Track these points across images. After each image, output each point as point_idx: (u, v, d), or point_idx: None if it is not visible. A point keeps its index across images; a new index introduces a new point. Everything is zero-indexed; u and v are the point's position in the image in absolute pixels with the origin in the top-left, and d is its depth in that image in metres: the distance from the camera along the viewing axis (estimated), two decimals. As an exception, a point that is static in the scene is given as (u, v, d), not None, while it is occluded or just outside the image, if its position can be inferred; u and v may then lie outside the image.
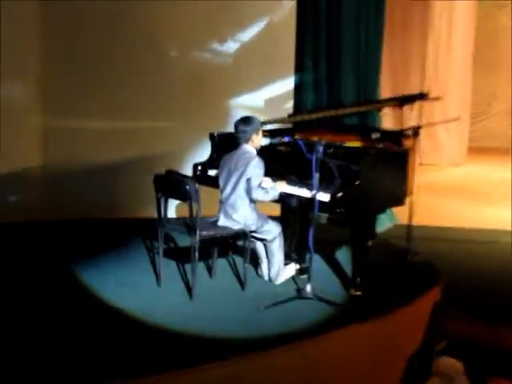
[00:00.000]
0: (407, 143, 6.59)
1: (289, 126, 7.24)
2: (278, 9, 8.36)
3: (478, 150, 12.94)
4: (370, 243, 6.55)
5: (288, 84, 8.30)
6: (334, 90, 8.07)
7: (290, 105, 8.11)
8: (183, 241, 6.94)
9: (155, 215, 6.35)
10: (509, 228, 8.33)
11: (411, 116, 7.11)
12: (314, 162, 5.86)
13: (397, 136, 6.60)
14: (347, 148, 6.43)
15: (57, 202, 8.09)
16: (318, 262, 6.82)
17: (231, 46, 8.45)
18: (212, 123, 7.34)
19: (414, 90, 9.64)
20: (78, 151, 8.23)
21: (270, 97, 8.18)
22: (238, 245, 7.01)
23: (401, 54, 10.96)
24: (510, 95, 13.86)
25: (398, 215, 8.15)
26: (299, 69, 8.21)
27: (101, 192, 8.20)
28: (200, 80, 8.31)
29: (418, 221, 7.25)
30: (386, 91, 8.90)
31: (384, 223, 8.15)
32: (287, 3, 8.31)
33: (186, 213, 6.00)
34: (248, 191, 6.16)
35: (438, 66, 11.10)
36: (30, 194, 8.11)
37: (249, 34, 8.40)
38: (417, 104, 7.17)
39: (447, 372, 3.82)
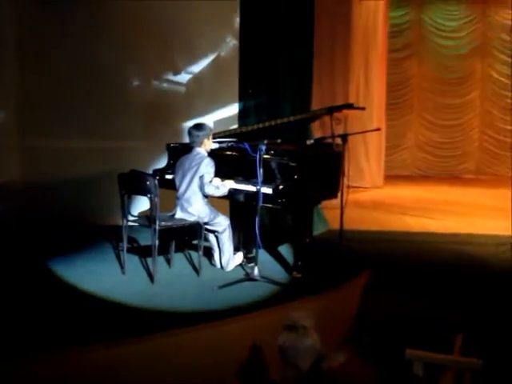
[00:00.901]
0: (338, 148, 6.40)
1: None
2: (224, 46, 8.22)
3: (392, 177, 12.98)
4: (307, 240, 6.38)
5: (233, 109, 8.11)
6: (272, 114, 7.87)
7: (235, 126, 7.88)
8: (145, 240, 6.59)
9: (120, 223, 6.08)
10: (419, 230, 8.46)
11: (339, 129, 6.89)
12: (257, 160, 5.65)
13: (328, 143, 6.41)
14: (286, 149, 6.16)
15: (34, 211, 7.67)
16: (263, 255, 6.54)
17: (184, 77, 8.26)
18: (169, 142, 7.03)
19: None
20: (52, 168, 7.91)
21: (218, 119, 7.93)
22: (192, 243, 6.65)
23: (328, 92, 10.84)
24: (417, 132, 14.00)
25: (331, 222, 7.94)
26: (242, 96, 8.05)
27: (74, 202, 7.88)
28: (158, 106, 8.12)
29: (348, 226, 7.00)
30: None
31: (318, 228, 7.88)
32: (232, 41, 8.17)
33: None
34: (201, 187, 5.98)
35: (359, 103, 10.96)
36: (8, 205, 7.67)
37: (199, 66, 8.22)
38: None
39: (298, 324, 3.44)
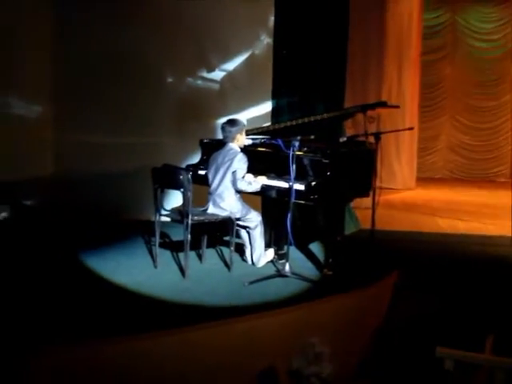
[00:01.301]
0: (371, 146, 6.37)
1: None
2: (259, 44, 8.22)
3: (424, 179, 12.92)
4: (339, 238, 6.37)
5: (266, 107, 8.11)
6: (305, 112, 7.85)
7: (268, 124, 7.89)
8: (177, 235, 6.64)
9: (152, 218, 6.10)
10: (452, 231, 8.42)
11: (371, 128, 6.85)
12: (290, 156, 5.64)
13: (361, 141, 6.39)
14: (319, 146, 6.13)
15: (67, 205, 7.73)
16: (294, 252, 6.52)
17: (218, 75, 8.29)
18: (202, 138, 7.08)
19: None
20: (87, 162, 8.00)
21: (251, 117, 7.94)
22: (224, 239, 6.66)
23: (361, 92, 10.78)
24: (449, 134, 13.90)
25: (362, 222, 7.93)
26: (275, 94, 8.04)
27: (107, 197, 7.91)
28: (191, 102, 8.16)
29: (379, 226, 6.96)
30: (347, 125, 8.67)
31: (350, 227, 7.85)
32: (266, 39, 8.18)
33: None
34: (234, 182, 5.97)
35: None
36: (42, 198, 7.76)
37: (233, 64, 8.24)
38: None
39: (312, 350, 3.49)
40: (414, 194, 11.54)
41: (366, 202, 7.26)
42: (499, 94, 13.70)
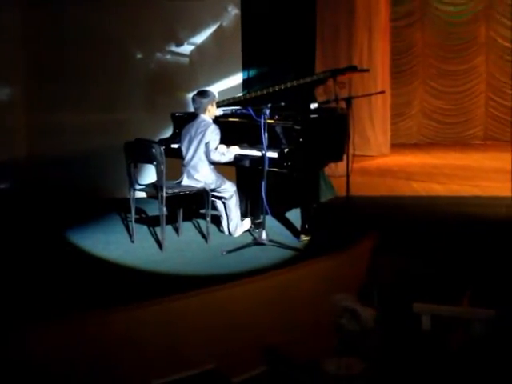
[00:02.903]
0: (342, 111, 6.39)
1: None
2: (226, 15, 8.17)
3: (398, 145, 13.01)
4: (314, 205, 6.42)
5: (237, 79, 8.09)
6: (276, 82, 7.85)
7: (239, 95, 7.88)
8: (153, 211, 6.68)
9: (129, 195, 6.09)
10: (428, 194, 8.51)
11: (343, 93, 6.86)
12: (262, 124, 5.66)
13: (332, 107, 6.40)
14: (290, 113, 6.14)
15: (41, 187, 7.70)
16: (271, 220, 6.55)
17: (187, 48, 8.23)
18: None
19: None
20: (58, 142, 7.92)
21: (222, 89, 7.92)
22: (200, 212, 6.67)
23: (332, 59, 10.75)
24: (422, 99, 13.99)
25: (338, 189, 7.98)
26: (246, 65, 8.03)
27: (81, 176, 7.90)
28: (161, 77, 8.13)
29: (355, 192, 7.01)
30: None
31: (326, 195, 7.89)
32: (234, 10, 8.13)
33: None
34: (207, 154, 5.98)
35: (364, 73, 10.88)
36: (16, 181, 7.73)
37: (202, 37, 8.19)
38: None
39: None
40: (388, 160, 11.61)
41: (341, 169, 7.33)
42: (470, 57, 13.78)
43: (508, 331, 4.00)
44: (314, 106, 6.38)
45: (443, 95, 13.89)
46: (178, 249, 5.93)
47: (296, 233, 6.28)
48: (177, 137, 6.54)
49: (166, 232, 5.99)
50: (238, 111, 6.25)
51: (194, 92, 6.33)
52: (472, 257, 5.88)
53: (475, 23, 13.67)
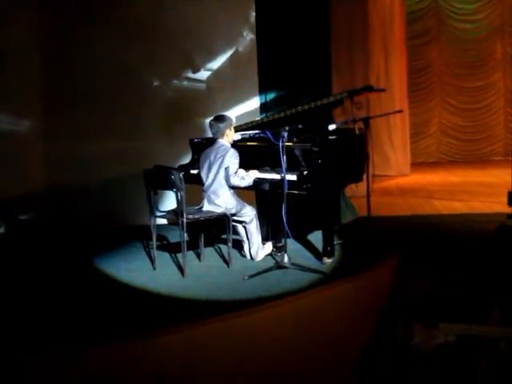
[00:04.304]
0: (360, 132, 6.38)
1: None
2: (242, 40, 8.22)
3: (418, 164, 12.96)
4: (336, 226, 6.42)
5: (254, 103, 8.14)
6: (293, 105, 7.88)
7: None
8: (174, 238, 6.69)
9: (149, 222, 6.08)
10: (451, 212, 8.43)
11: (361, 114, 6.84)
12: (280, 147, 5.65)
13: (350, 128, 6.39)
14: (309, 135, 6.12)
15: (62, 216, 7.74)
16: (293, 243, 6.54)
17: (204, 74, 8.27)
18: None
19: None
20: (78, 171, 7.97)
21: (239, 114, 7.94)
22: (221, 237, 6.65)
23: (348, 80, 10.73)
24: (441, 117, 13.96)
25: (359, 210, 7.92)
26: (263, 89, 8.09)
27: (102, 205, 7.94)
28: (179, 104, 8.17)
29: (376, 212, 7.00)
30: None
31: (347, 216, 7.86)
32: (249, 35, 8.18)
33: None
34: (227, 178, 5.97)
35: (381, 93, 10.87)
36: (37, 211, 7.76)
37: (218, 62, 8.24)
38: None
39: None
40: (409, 180, 11.57)
41: (362, 190, 7.28)
42: (487, 73, 13.73)
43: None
44: (332, 127, 6.38)
45: (461, 112, 13.84)
46: (200, 274, 5.92)
47: (318, 255, 6.23)
48: (196, 162, 6.55)
49: (188, 258, 5.98)
50: (256, 135, 6.24)
51: (212, 117, 6.35)
52: (498, 274, 5.80)
53: (491, 40, 13.64)
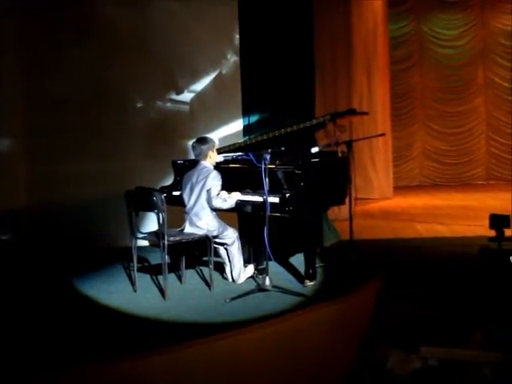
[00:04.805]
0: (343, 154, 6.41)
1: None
2: (226, 63, 8.25)
3: (401, 188, 13.00)
4: (318, 249, 6.42)
5: (237, 125, 8.15)
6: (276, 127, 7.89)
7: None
8: (155, 260, 6.65)
9: (130, 244, 6.02)
10: (435, 235, 8.44)
11: (344, 137, 6.86)
12: (263, 169, 5.64)
13: (333, 151, 6.41)
14: (291, 158, 6.12)
15: (43, 236, 7.65)
16: (274, 266, 6.53)
17: (187, 96, 8.28)
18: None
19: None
20: (60, 192, 7.86)
21: (222, 136, 7.93)
22: (203, 259, 6.61)
23: (332, 104, 10.76)
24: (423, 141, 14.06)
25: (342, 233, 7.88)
26: (246, 111, 8.08)
27: (83, 226, 7.84)
28: (162, 125, 8.15)
29: (359, 235, 6.99)
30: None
31: (329, 239, 7.85)
32: (233, 58, 8.21)
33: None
34: (209, 200, 5.93)
35: (364, 117, 10.91)
36: (18, 231, 7.68)
37: (201, 84, 8.26)
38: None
39: None
40: (391, 203, 11.59)
41: (345, 213, 7.29)
42: (469, 98, 13.87)
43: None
44: (314, 150, 6.40)
45: (444, 136, 13.95)
46: (181, 297, 5.87)
47: (300, 278, 6.21)
48: (178, 184, 6.53)
49: (169, 280, 5.94)
50: (239, 157, 6.24)
51: (194, 139, 6.33)
52: (480, 297, 5.79)
53: (473, 65, 13.79)
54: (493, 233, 6.08)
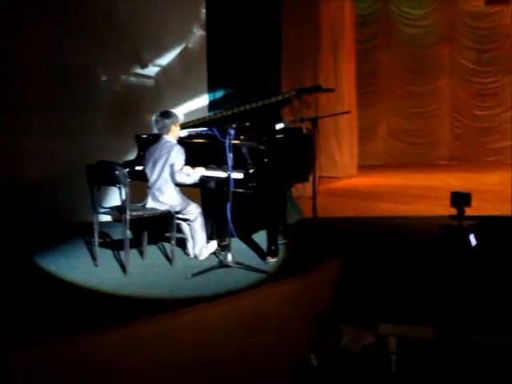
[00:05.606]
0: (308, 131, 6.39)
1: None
2: (192, 37, 8.17)
3: (366, 166, 13.04)
4: (281, 226, 6.41)
5: (203, 100, 8.09)
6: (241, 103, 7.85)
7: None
8: (117, 235, 6.60)
9: (92, 219, 5.96)
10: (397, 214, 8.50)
11: (309, 114, 6.84)
12: (227, 144, 5.59)
13: (298, 127, 6.38)
14: (256, 134, 6.09)
15: (3, 212, 7.50)
16: (237, 243, 6.49)
17: (152, 70, 8.19)
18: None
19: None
20: (23, 168, 7.72)
21: (187, 111, 7.86)
22: (165, 235, 6.57)
23: (297, 80, 10.71)
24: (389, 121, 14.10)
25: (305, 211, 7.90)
26: (212, 87, 8.02)
27: (45, 202, 7.67)
28: (126, 100, 8.05)
29: (322, 214, 6.98)
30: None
31: (293, 217, 7.84)
32: (199, 32, 8.15)
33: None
34: (172, 175, 5.87)
35: (330, 95, 10.88)
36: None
37: (167, 59, 8.17)
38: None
39: None
40: (355, 181, 11.64)
41: (308, 191, 7.28)
42: (434, 78, 13.94)
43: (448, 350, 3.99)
44: (279, 126, 6.36)
45: (409, 116, 14.01)
46: (143, 272, 5.83)
47: (262, 255, 6.20)
48: (141, 159, 6.45)
49: (131, 255, 5.90)
50: (203, 132, 6.19)
51: (158, 113, 6.25)
52: (441, 277, 5.85)
53: (439, 45, 13.84)
54: (454, 211, 6.12)
